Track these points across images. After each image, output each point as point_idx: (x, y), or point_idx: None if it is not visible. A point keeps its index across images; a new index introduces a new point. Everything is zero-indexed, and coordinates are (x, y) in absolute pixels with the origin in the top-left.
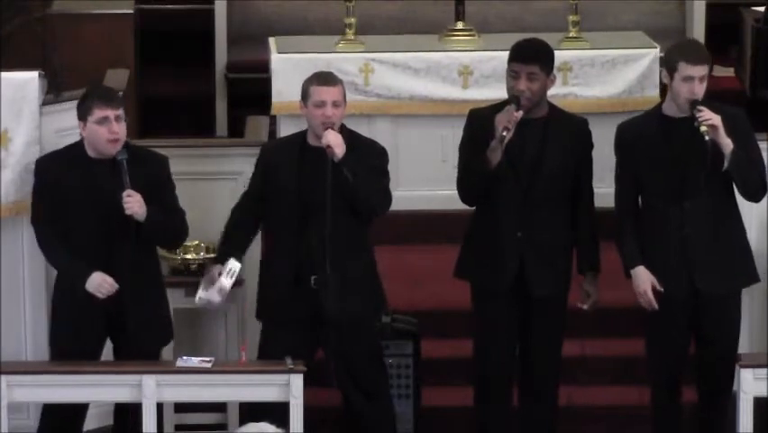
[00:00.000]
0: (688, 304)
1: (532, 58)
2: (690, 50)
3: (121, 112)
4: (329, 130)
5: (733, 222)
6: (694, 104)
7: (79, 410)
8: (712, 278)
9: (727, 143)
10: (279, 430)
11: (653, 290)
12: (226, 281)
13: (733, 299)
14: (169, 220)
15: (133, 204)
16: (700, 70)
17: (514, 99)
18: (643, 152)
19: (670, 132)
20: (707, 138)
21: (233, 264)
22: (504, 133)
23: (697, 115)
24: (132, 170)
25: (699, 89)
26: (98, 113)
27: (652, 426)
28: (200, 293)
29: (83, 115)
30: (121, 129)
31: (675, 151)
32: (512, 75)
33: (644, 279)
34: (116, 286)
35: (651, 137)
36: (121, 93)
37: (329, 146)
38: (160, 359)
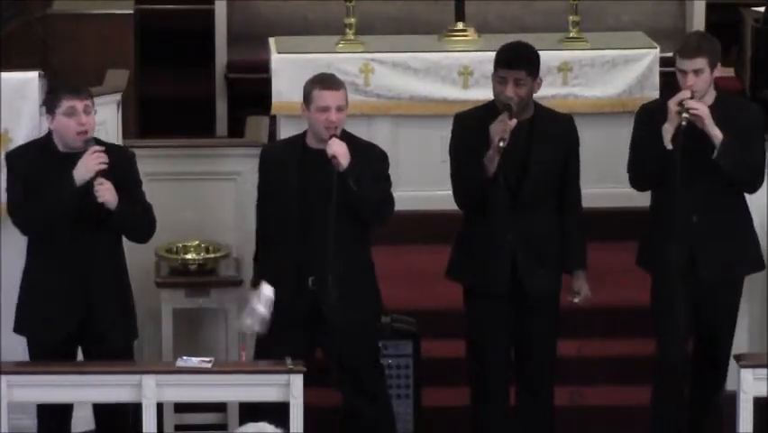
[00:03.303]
0: (690, 291)
1: (518, 63)
2: (684, 44)
3: (90, 103)
4: (333, 139)
5: (738, 209)
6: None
7: (64, 410)
8: (716, 263)
9: (716, 134)
10: (279, 430)
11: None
12: (264, 310)
13: (733, 285)
14: (138, 211)
15: (105, 191)
16: (691, 64)
17: (506, 107)
18: (660, 132)
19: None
20: (684, 123)
21: (267, 290)
22: (501, 144)
23: (685, 104)
24: None
25: (693, 82)
26: (66, 103)
27: (652, 421)
28: (246, 323)
29: (51, 108)
30: (89, 120)
31: (690, 136)
32: (499, 81)
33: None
34: (100, 148)
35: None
36: (119, 94)
37: (334, 157)
38: (132, 356)
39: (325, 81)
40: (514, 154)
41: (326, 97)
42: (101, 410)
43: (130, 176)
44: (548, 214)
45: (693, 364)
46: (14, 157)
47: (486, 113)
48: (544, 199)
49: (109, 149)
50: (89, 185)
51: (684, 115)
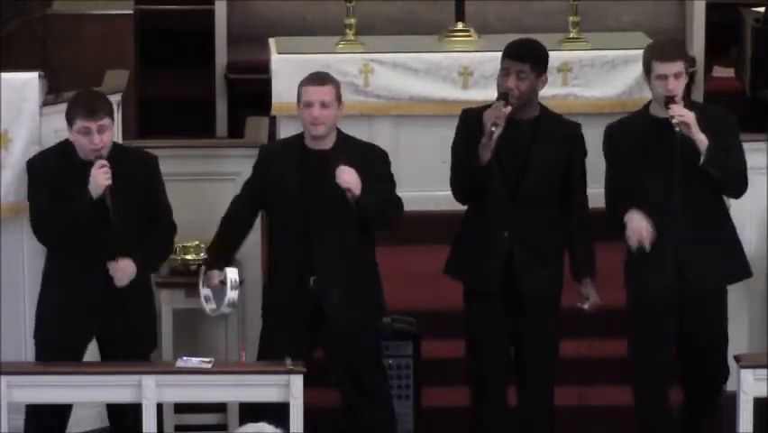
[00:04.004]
0: (675, 301)
1: (523, 56)
2: (661, 49)
3: (105, 122)
4: (344, 169)
5: (721, 217)
6: (669, 100)
7: (63, 411)
8: (704, 274)
9: (702, 140)
10: (278, 431)
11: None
12: (233, 294)
13: (719, 295)
14: (156, 254)
15: (123, 277)
16: (673, 67)
17: (502, 96)
18: (632, 152)
19: (658, 131)
20: (677, 129)
21: (232, 274)
22: (493, 129)
23: (669, 112)
24: (121, 170)
25: (674, 85)
26: (80, 123)
27: (636, 428)
28: (210, 308)
29: (69, 122)
30: (104, 139)
31: (664, 149)
32: (502, 72)
33: (639, 218)
34: (107, 164)
35: (640, 137)
36: (119, 94)
37: (349, 190)
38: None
39: (312, 77)
40: (516, 152)
41: (310, 93)
42: (113, 409)
43: (153, 180)
44: (549, 214)
45: (686, 367)
46: (35, 164)
47: None
48: (545, 199)
49: (132, 153)
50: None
51: (674, 121)
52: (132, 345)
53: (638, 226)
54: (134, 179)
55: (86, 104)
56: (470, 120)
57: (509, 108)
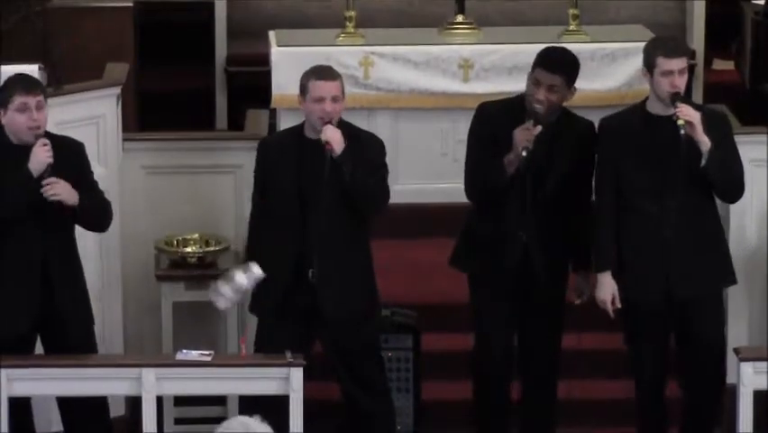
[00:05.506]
0: (666, 306)
1: (557, 69)
2: (667, 45)
3: (42, 99)
4: (328, 126)
5: (712, 222)
6: (675, 97)
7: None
8: (690, 280)
9: (705, 141)
10: (266, 427)
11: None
12: (244, 280)
13: (713, 298)
14: (98, 202)
15: (57, 189)
16: (679, 63)
17: (533, 115)
18: (625, 148)
19: (653, 129)
20: (682, 132)
21: (256, 269)
22: (524, 153)
23: (675, 110)
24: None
25: (680, 82)
26: (19, 100)
27: (637, 424)
28: (217, 287)
29: (3, 103)
30: (41, 116)
31: (658, 148)
32: (533, 82)
33: (607, 288)
34: (48, 142)
35: (634, 133)
36: (119, 87)
37: (328, 143)
38: (95, 341)
39: (320, 72)
40: (535, 156)
41: (321, 88)
42: (68, 412)
43: (83, 165)
44: (560, 215)
45: (684, 367)
46: None
47: (511, 106)
48: (559, 202)
49: (59, 141)
50: (40, 179)
51: (679, 123)
52: (70, 328)
53: (604, 297)
54: (65, 165)
55: (23, 82)
56: (489, 113)
57: (539, 128)
